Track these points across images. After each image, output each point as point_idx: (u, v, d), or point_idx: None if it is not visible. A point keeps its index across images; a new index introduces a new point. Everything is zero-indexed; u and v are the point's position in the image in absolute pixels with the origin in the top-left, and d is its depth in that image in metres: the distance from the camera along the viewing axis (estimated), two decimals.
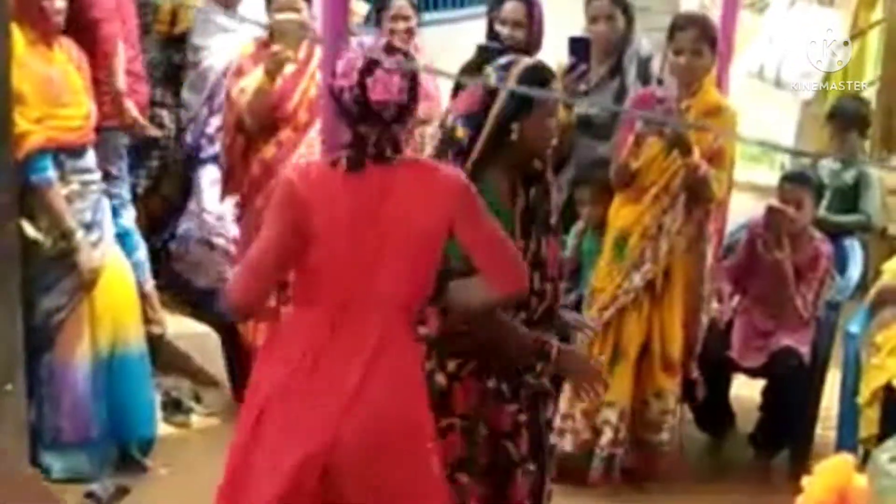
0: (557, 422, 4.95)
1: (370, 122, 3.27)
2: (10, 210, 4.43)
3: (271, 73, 5.16)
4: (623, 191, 5.11)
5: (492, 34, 5.49)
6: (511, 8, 5.44)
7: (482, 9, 6.80)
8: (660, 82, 5.06)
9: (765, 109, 10.24)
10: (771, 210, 5.45)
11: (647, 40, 5.45)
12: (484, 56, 4.88)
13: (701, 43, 5.01)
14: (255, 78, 5.21)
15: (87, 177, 4.83)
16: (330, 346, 3.32)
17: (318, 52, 5.23)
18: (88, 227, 4.80)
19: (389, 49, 3.37)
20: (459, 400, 3.65)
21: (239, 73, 5.36)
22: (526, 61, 3.71)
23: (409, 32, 5.95)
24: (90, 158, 4.86)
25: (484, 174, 3.55)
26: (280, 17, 5.28)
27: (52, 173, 4.63)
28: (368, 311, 3.33)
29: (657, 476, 5.22)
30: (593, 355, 4.99)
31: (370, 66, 3.24)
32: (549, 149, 3.68)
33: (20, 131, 4.45)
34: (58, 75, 4.70)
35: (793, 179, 5.57)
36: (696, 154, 4.86)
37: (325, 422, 3.25)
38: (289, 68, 5.24)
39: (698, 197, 4.97)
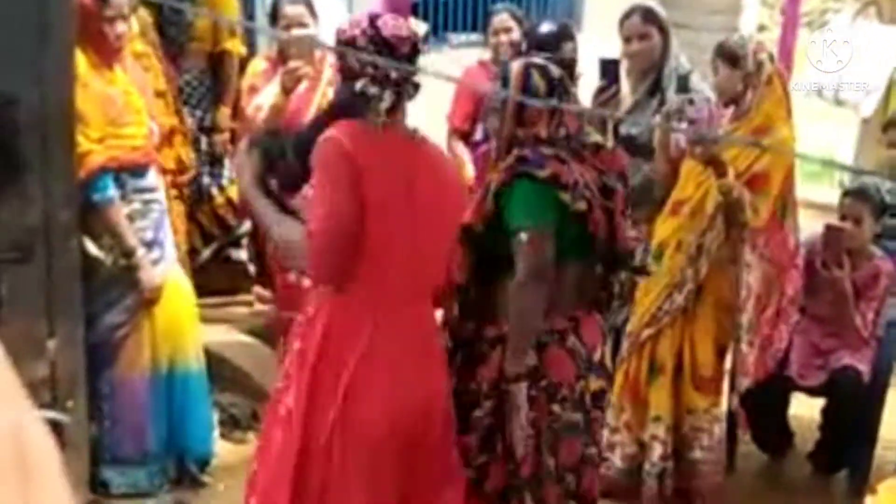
0: (606, 435, 4.97)
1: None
2: (72, 228, 4.49)
3: (288, 90, 5.21)
4: (667, 204, 5.09)
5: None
6: (570, 48, 5.46)
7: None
8: (691, 102, 5.04)
9: (824, 127, 10.20)
10: (829, 228, 5.42)
11: (688, 58, 5.42)
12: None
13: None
14: (269, 94, 5.28)
15: (148, 196, 4.88)
16: (389, 332, 3.46)
17: (329, 67, 5.32)
18: (149, 245, 4.84)
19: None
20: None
21: (252, 90, 5.44)
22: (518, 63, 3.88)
23: (514, 45, 5.90)
24: (151, 177, 4.91)
25: None
26: (292, 33, 5.34)
27: (113, 192, 4.68)
28: (414, 295, 3.53)
29: (693, 494, 5.17)
30: (630, 371, 5.03)
31: (376, 15, 3.45)
32: None
33: (82, 151, 4.51)
34: (119, 96, 4.76)
35: (853, 195, 5.52)
36: (731, 175, 4.84)
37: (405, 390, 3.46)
38: (301, 85, 5.29)
39: (733, 220, 4.93)
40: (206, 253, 6.07)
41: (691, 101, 4.96)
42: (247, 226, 6.43)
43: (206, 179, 6.35)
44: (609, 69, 4.89)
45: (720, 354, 5.08)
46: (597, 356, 3.80)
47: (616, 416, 5.09)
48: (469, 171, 5.82)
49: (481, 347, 3.75)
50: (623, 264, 3.93)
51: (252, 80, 5.52)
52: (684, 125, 4.91)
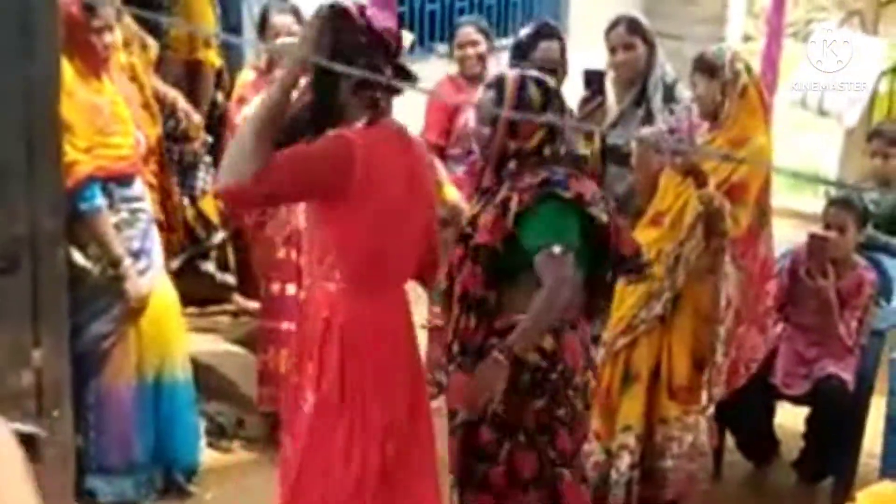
0: None
1: (377, 56, 3.43)
2: (59, 238, 4.48)
3: None
4: (646, 214, 5.10)
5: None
6: (547, 47, 5.46)
7: None
8: (671, 112, 5.06)
9: (808, 137, 10.23)
10: (813, 237, 5.43)
11: (672, 67, 5.44)
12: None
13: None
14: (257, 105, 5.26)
15: (135, 205, 4.89)
16: (401, 325, 3.68)
17: None
18: (136, 255, 4.85)
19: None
20: None
21: (241, 101, 5.44)
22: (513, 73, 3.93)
23: (481, 58, 5.90)
24: (138, 187, 4.92)
25: None
26: (279, 42, 5.34)
27: (100, 202, 4.69)
28: (402, 292, 3.71)
29: (661, 502, 5.18)
30: (604, 380, 5.04)
31: (363, 6, 3.54)
32: None
33: (69, 160, 4.50)
34: (106, 105, 4.76)
35: (837, 204, 5.53)
36: (711, 185, 4.85)
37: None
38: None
39: (713, 229, 4.94)
40: (175, 263, 6.05)
41: (671, 111, 4.98)
42: (220, 237, 6.39)
43: (176, 190, 6.30)
44: (593, 80, 4.92)
45: (697, 365, 5.06)
46: (592, 353, 3.99)
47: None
48: (451, 192, 5.68)
49: (490, 341, 3.83)
50: (633, 264, 4.01)
51: (241, 91, 5.51)
52: (664, 134, 4.94)
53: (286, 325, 5.40)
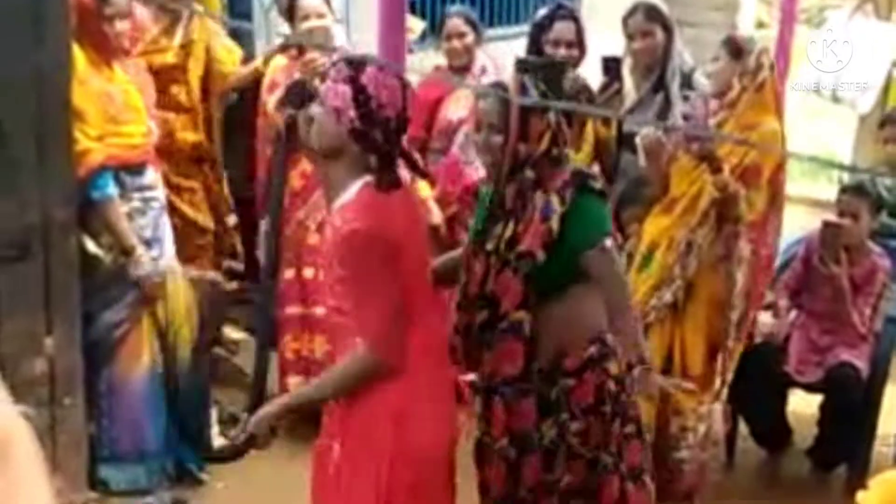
0: None
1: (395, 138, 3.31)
2: (71, 226, 4.49)
3: None
4: (660, 201, 5.09)
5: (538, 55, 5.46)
6: (561, 28, 5.43)
7: None
8: (685, 98, 5.04)
9: (822, 124, 10.20)
10: (827, 224, 5.42)
11: (691, 55, 5.42)
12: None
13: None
14: None
15: (147, 194, 4.88)
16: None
17: None
18: (149, 243, 4.84)
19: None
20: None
21: (272, 86, 5.40)
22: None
23: (468, 49, 5.84)
24: (150, 175, 4.91)
25: None
26: (308, 24, 5.32)
27: (113, 190, 4.68)
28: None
29: (678, 495, 5.17)
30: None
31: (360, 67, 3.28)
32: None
33: (81, 149, 4.51)
34: (118, 94, 4.75)
35: (851, 191, 5.51)
36: (726, 171, 4.85)
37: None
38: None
39: (727, 215, 4.93)
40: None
41: (686, 98, 4.96)
42: (232, 220, 6.34)
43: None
44: (611, 67, 4.89)
45: (711, 353, 5.08)
46: None
47: None
48: (424, 189, 5.50)
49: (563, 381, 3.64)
50: None
51: (272, 76, 5.48)
52: (679, 121, 4.92)
53: (320, 311, 5.37)
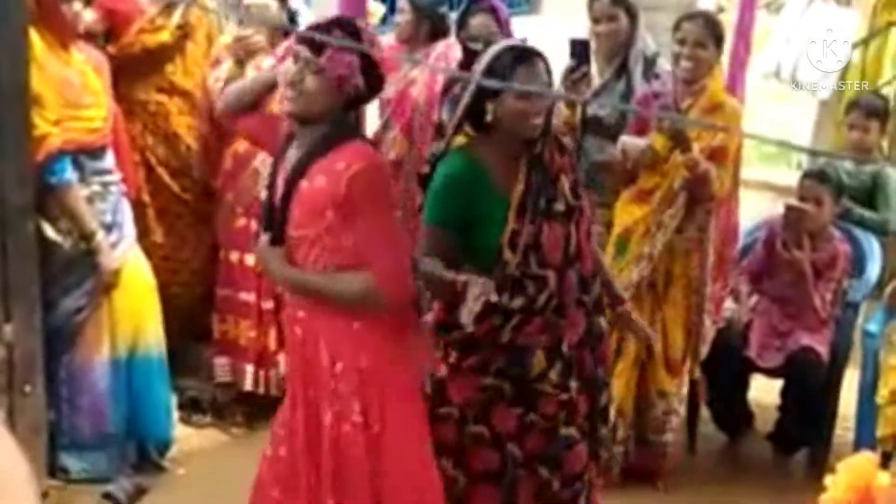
0: None
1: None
2: (27, 211, 4.44)
3: (240, 61, 5.17)
4: (629, 189, 5.10)
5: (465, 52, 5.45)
6: (479, 22, 5.43)
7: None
8: (656, 76, 5.03)
9: (781, 109, 10.23)
10: (789, 208, 5.43)
11: (652, 39, 5.42)
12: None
13: (706, 36, 4.96)
14: (226, 67, 5.23)
15: (107, 178, 4.83)
16: None
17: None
18: (108, 228, 4.79)
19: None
20: (455, 391, 3.73)
21: (216, 63, 5.38)
22: (502, 43, 3.73)
23: (410, 25, 5.78)
24: (109, 159, 4.86)
25: (468, 156, 3.67)
26: (250, 1, 5.29)
27: (71, 175, 4.63)
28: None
29: (662, 476, 5.21)
30: None
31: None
32: (534, 131, 3.63)
33: (39, 133, 4.46)
34: (76, 77, 4.70)
35: (813, 177, 5.54)
36: (696, 150, 4.85)
37: None
38: (267, 61, 5.22)
39: (699, 195, 4.95)
40: None
41: (657, 76, 4.97)
42: None
43: None
44: (578, 50, 4.88)
45: (688, 334, 5.11)
46: None
47: None
48: None
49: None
50: None
51: (216, 53, 5.46)
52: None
53: (244, 296, 5.39)
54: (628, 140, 5.01)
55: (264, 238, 3.47)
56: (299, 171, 3.35)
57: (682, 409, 5.17)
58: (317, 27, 3.44)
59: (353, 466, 3.41)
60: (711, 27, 4.99)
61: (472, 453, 3.77)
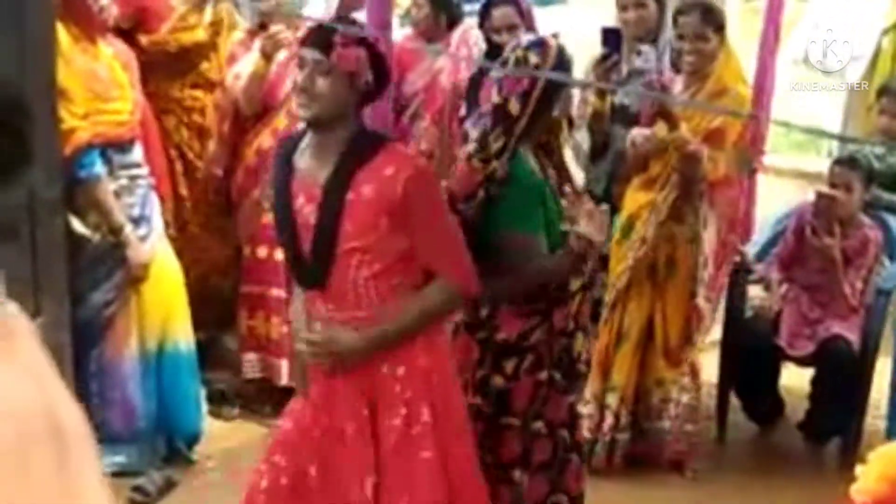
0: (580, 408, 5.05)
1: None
2: (57, 206, 4.45)
3: (268, 55, 5.17)
4: (639, 177, 5.09)
5: (489, 44, 5.44)
6: (501, 14, 5.39)
7: None
8: (638, 53, 4.99)
9: (811, 96, 10.16)
10: (820, 196, 5.39)
11: None
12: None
13: (704, 28, 4.96)
14: (249, 62, 5.24)
15: (134, 171, 4.84)
16: None
17: None
18: (137, 221, 4.81)
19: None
20: (518, 399, 3.70)
21: (231, 60, 5.39)
22: (557, 42, 3.69)
23: (427, 17, 5.84)
24: (137, 153, 4.87)
25: (528, 157, 3.65)
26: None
27: (100, 169, 4.64)
28: None
29: (661, 465, 5.20)
30: (602, 341, 5.07)
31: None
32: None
33: (67, 127, 4.47)
34: (103, 71, 4.71)
35: (843, 164, 5.49)
36: (684, 129, 4.83)
37: None
38: (281, 54, 5.24)
39: (689, 175, 4.92)
40: None
41: (639, 52, 4.93)
42: None
43: None
44: (610, 38, 4.85)
45: (688, 321, 5.09)
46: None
47: (588, 387, 5.11)
48: None
49: None
50: None
51: (231, 50, 5.47)
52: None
53: (276, 292, 5.39)
54: (637, 132, 4.98)
55: (299, 304, 3.46)
56: (343, 184, 3.23)
57: (686, 398, 5.13)
58: (319, 27, 3.36)
59: (423, 466, 3.33)
60: (709, 17, 4.97)
61: (533, 450, 3.76)
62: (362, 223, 3.21)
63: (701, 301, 5.08)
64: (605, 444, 5.07)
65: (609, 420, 5.07)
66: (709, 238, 5.06)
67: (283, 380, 5.44)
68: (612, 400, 5.07)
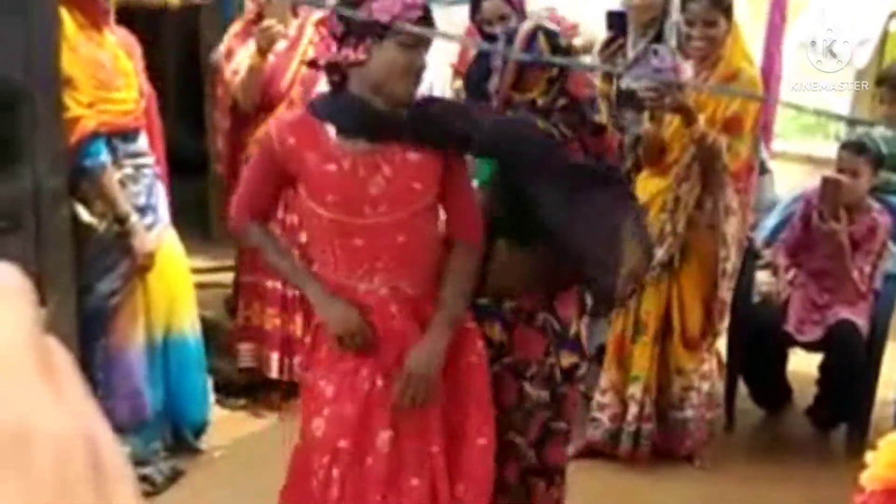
0: (597, 396, 5.04)
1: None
2: (62, 195, 4.44)
3: (263, 49, 5.15)
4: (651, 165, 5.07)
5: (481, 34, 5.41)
6: (489, 6, 5.36)
7: None
8: (654, 53, 4.97)
9: (818, 79, 10.14)
10: (826, 181, 5.37)
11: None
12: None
13: (713, 13, 4.92)
14: (246, 56, 5.22)
15: (140, 160, 4.82)
16: None
17: (310, 27, 5.26)
18: (142, 210, 4.79)
19: None
20: (570, 406, 3.83)
21: (229, 54, 5.37)
22: (527, 24, 3.76)
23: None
24: (143, 142, 4.85)
25: None
26: None
27: (105, 157, 4.62)
28: None
29: (683, 454, 5.18)
30: (616, 330, 5.06)
31: None
32: None
33: (72, 116, 4.45)
34: (108, 59, 4.68)
35: (850, 148, 5.46)
36: (701, 122, 4.80)
37: None
38: (280, 45, 5.22)
39: (710, 167, 4.90)
40: None
41: (655, 52, 4.91)
42: None
43: None
44: (616, 21, 4.82)
45: (708, 311, 5.07)
46: (572, 331, 3.73)
47: (605, 376, 5.10)
48: None
49: None
50: None
51: (228, 44, 5.45)
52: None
53: (271, 283, 5.38)
54: (649, 125, 4.97)
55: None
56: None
57: (706, 386, 5.13)
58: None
59: (481, 395, 3.43)
60: (718, 1, 4.93)
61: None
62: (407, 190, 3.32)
63: (724, 292, 5.08)
64: (630, 434, 5.06)
65: (633, 410, 5.06)
66: (731, 231, 5.02)
67: (273, 373, 5.44)
68: (635, 390, 5.05)
